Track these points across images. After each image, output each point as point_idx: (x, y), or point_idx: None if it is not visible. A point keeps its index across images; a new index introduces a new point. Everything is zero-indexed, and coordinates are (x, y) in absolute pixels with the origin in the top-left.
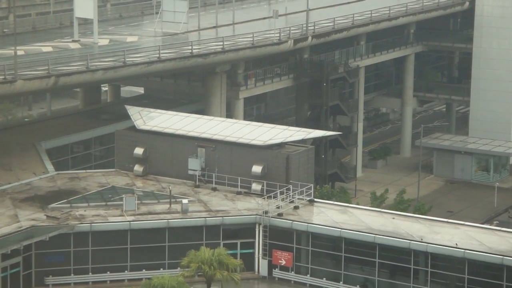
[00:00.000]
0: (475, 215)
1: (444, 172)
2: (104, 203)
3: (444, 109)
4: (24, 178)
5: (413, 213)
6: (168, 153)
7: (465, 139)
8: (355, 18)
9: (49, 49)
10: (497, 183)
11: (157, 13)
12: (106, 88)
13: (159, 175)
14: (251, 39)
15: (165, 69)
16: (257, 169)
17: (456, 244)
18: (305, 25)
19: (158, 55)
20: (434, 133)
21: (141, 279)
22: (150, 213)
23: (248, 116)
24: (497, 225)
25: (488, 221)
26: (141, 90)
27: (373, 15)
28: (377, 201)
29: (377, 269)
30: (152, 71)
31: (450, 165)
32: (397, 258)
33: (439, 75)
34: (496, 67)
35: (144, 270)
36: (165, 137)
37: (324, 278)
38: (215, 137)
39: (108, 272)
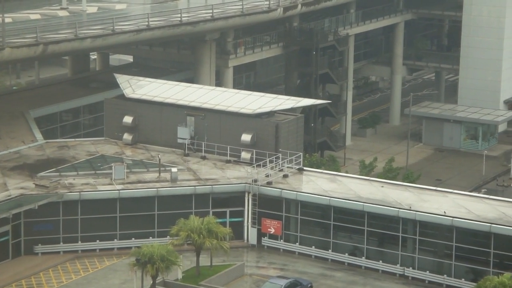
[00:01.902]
0: (464, 183)
1: (433, 140)
2: (93, 172)
3: (433, 78)
4: (13, 146)
5: (402, 182)
6: (157, 122)
7: (454, 107)
8: None
9: (37, 16)
10: (486, 151)
11: None
12: (95, 56)
13: (148, 144)
14: (241, 7)
15: (154, 37)
16: (246, 137)
17: (445, 212)
18: None
19: (147, 23)
20: (423, 102)
21: (131, 247)
22: (139, 181)
23: (237, 85)
24: (485, 193)
25: (476, 189)
26: (130, 59)
27: None
28: (366, 170)
29: (365, 237)
30: (141, 39)
31: (439, 133)
32: (385, 226)
33: (428, 43)
34: (486, 35)
35: (133, 238)
36: (154, 106)
37: (313, 246)
38: (204, 105)
39: (98, 241)
